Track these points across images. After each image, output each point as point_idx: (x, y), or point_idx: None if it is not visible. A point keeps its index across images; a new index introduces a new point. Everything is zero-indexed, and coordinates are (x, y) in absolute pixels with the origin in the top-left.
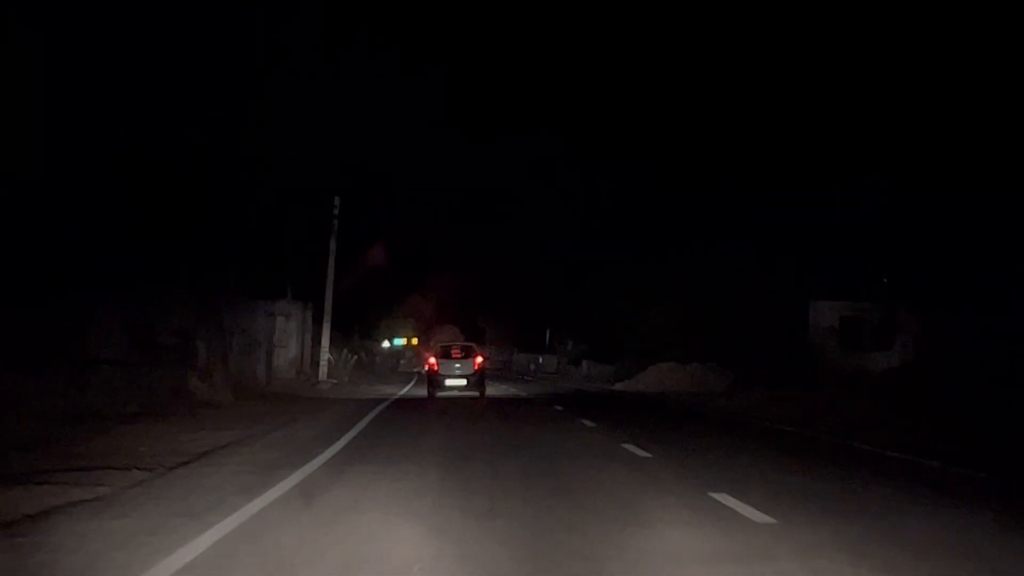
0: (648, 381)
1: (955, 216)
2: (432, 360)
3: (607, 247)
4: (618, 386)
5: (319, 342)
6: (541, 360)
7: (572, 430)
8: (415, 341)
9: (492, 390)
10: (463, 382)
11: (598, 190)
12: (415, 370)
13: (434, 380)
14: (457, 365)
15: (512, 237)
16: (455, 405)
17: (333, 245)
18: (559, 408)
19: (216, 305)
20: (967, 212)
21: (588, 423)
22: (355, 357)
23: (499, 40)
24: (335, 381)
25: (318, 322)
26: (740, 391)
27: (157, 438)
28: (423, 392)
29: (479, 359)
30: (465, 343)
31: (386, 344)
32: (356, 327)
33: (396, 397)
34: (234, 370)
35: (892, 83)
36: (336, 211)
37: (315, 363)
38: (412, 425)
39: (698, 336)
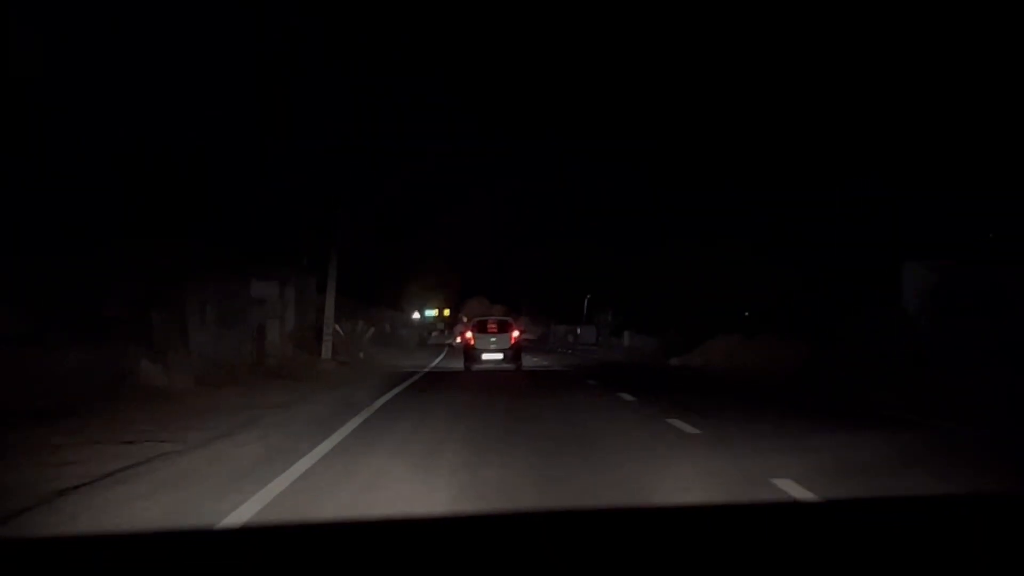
0: (709, 356)
1: (955, 216)
2: (468, 334)
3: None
4: (674, 361)
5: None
6: (579, 331)
7: (656, 439)
8: (447, 312)
9: (528, 365)
10: (499, 356)
11: (598, 190)
12: (447, 342)
13: (470, 354)
14: (493, 339)
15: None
16: (487, 388)
17: (338, 198)
18: (626, 397)
19: (178, 266)
20: (966, 212)
21: (677, 423)
22: (372, 329)
23: (499, 40)
24: (343, 358)
25: (324, 290)
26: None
27: (37, 452)
28: (452, 366)
29: (515, 333)
30: (502, 317)
31: (416, 316)
32: (380, 297)
33: (418, 376)
34: (196, 349)
35: (892, 83)
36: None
37: (319, 337)
38: (415, 440)
39: (762, 303)
